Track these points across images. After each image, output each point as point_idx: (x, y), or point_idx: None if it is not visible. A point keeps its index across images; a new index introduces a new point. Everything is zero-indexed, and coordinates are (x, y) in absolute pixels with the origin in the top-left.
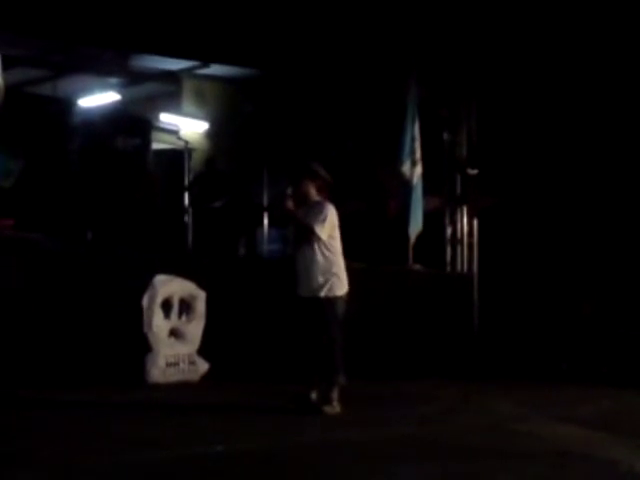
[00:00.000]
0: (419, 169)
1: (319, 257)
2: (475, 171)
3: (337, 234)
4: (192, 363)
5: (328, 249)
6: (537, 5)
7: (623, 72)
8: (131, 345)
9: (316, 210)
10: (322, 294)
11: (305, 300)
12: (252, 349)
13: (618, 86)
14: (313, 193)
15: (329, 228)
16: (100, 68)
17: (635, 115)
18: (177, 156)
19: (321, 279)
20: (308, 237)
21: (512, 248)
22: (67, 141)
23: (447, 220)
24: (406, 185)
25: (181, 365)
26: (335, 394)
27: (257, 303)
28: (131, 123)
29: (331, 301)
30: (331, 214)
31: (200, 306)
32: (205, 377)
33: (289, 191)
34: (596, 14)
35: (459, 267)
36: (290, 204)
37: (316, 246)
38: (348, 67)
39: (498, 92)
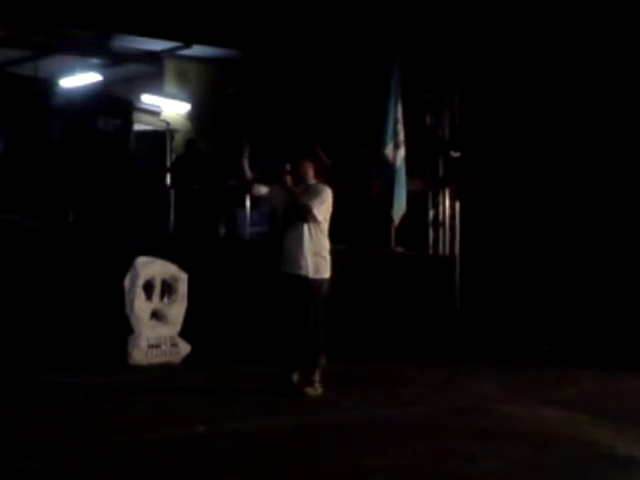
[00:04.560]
0: (402, 151)
1: (310, 238)
2: (458, 154)
3: (329, 217)
4: (174, 345)
5: (320, 231)
6: None
7: (604, 56)
8: (113, 327)
9: (315, 191)
10: (309, 275)
11: (289, 277)
12: (234, 331)
13: (599, 70)
14: (310, 174)
15: (325, 211)
16: (81, 49)
17: (615, 98)
18: (159, 137)
19: (309, 260)
20: (304, 217)
21: (494, 230)
22: (48, 122)
23: (429, 202)
24: (389, 167)
25: (163, 347)
26: (317, 376)
27: (239, 285)
28: (113, 104)
29: (317, 282)
30: (329, 197)
31: (182, 288)
32: (187, 359)
33: (287, 167)
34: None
35: (441, 249)
36: (289, 180)
37: (309, 227)
38: (331, 49)
39: (481, 75)
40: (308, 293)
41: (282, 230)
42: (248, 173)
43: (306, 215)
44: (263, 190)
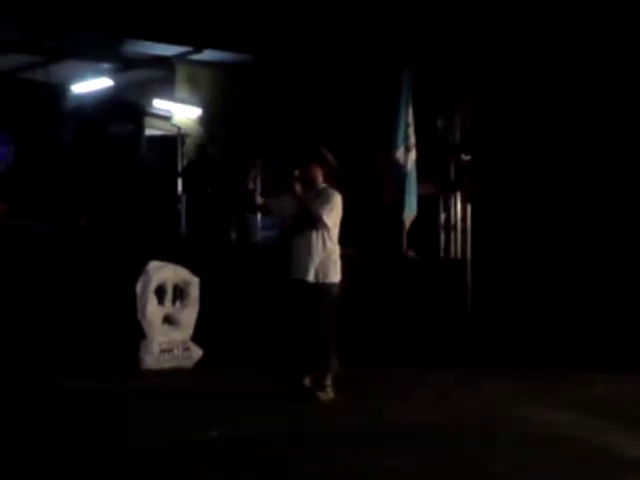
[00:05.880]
0: (413, 155)
1: (320, 244)
2: (469, 157)
3: (338, 223)
4: (186, 349)
5: (330, 237)
6: None
7: (614, 58)
8: (125, 332)
9: (324, 197)
10: (319, 280)
11: (299, 283)
12: (246, 335)
13: (612, 71)
14: (320, 179)
15: (334, 217)
16: (93, 54)
17: (626, 101)
18: (170, 142)
19: (319, 266)
20: (313, 223)
21: (506, 234)
22: (60, 127)
23: (441, 206)
24: (400, 171)
25: (175, 351)
26: (329, 380)
27: (251, 289)
28: (124, 109)
29: (326, 287)
30: (339, 203)
31: (194, 292)
32: (199, 363)
33: (296, 174)
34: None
35: (453, 253)
36: (298, 187)
37: (319, 233)
38: (341, 53)
39: (491, 78)
40: (317, 297)
41: (290, 236)
42: (259, 201)
43: (316, 222)
44: (272, 208)
